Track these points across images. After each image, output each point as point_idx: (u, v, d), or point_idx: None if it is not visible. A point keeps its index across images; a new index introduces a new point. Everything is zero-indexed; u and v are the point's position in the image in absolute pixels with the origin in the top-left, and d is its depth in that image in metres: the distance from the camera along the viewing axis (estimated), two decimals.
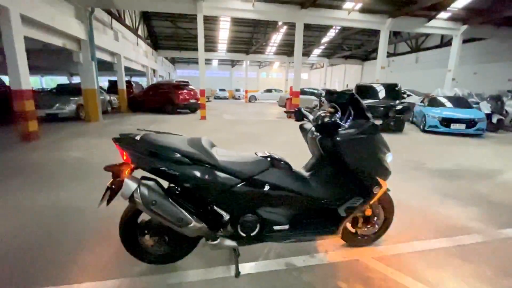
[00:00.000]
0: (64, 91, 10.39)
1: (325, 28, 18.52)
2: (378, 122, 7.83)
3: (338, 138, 1.59)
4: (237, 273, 1.69)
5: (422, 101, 9.48)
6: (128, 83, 14.80)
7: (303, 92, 13.57)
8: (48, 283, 1.64)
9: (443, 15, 10.97)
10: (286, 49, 22.92)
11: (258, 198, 1.61)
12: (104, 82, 16.64)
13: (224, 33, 19.22)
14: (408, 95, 12.88)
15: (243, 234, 1.61)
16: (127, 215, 1.63)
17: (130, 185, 1.39)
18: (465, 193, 3.28)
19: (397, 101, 8.21)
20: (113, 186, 1.50)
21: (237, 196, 1.56)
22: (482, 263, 1.94)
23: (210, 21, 16.55)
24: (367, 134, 1.63)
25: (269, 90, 26.22)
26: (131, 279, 1.69)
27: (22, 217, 2.48)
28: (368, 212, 1.93)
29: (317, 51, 25.09)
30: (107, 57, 11.22)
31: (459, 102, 8.51)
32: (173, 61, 30.55)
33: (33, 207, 2.68)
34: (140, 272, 1.75)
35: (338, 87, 28.99)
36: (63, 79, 25.89)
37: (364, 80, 25.79)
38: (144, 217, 1.63)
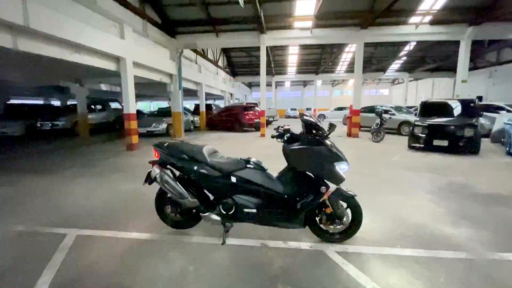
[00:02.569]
0: (161, 114, 13.42)
1: (399, 42, 17.38)
2: (443, 142, 7.12)
3: (289, 147, 2.18)
4: (223, 242, 2.42)
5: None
6: (208, 106, 17.55)
7: (370, 110, 13.13)
8: (115, 228, 2.76)
9: None
10: None
11: (234, 187, 2.33)
12: (192, 105, 20.18)
13: (293, 57, 20.46)
14: (508, 111, 10.82)
15: (224, 212, 2.34)
16: (159, 192, 2.61)
17: (155, 171, 2.37)
18: (490, 218, 3.03)
19: (474, 119, 7.27)
20: (151, 172, 2.50)
21: (219, 184, 2.32)
22: (443, 273, 2.05)
23: (279, 48, 18.06)
24: (308, 145, 2.15)
25: (340, 108, 25.69)
26: (161, 234, 2.64)
27: (114, 195, 3.86)
28: (328, 210, 2.34)
29: (394, 66, 23.42)
30: (192, 86, 13.88)
31: None
32: (249, 85, 33.76)
33: (121, 190, 4.07)
34: (166, 232, 2.68)
35: None
36: (165, 104, 32.37)
37: (456, 94, 22.32)
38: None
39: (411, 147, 7.94)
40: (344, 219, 2.39)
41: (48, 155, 7.19)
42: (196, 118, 15.52)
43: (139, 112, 18.06)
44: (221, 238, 2.49)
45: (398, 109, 13.51)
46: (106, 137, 11.50)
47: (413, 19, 9.81)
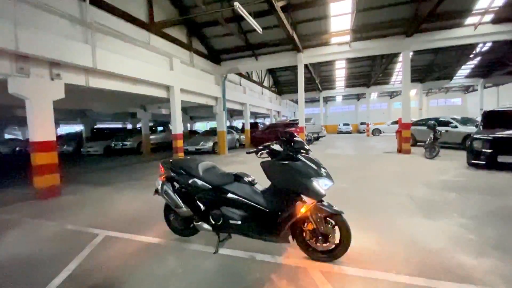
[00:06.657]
0: (209, 133, 14.62)
1: (463, 46, 15.37)
2: (511, 159, 5.97)
3: (265, 162, 2.32)
4: (216, 251, 2.63)
5: None
6: (255, 124, 18.29)
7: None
8: (135, 232, 3.23)
9: None
10: (416, 75, 20.38)
11: (221, 200, 2.54)
12: (240, 124, 21.36)
13: (340, 71, 20.00)
14: None
15: (213, 222, 2.56)
16: (166, 203, 3.00)
17: (158, 183, 2.76)
18: None
19: None
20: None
21: (208, 196, 2.57)
22: None
23: (324, 64, 17.93)
24: (284, 161, 2.24)
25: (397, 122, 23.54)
26: (168, 240, 2.99)
27: (146, 205, 4.45)
28: (310, 226, 2.33)
29: (463, 72, 20.62)
30: (238, 107, 14.82)
31: None
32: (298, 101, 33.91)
33: (154, 201, 4.63)
34: (173, 238, 3.02)
35: None
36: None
37: None
38: None
39: (471, 165, 6.84)
40: (330, 237, 2.34)
41: (112, 170, 8.61)
42: (242, 136, 16.33)
43: (195, 132, 20.03)
44: (214, 248, 2.69)
45: (465, 120, 11.86)
46: (164, 155, 13.03)
47: (470, 20, 8.73)
